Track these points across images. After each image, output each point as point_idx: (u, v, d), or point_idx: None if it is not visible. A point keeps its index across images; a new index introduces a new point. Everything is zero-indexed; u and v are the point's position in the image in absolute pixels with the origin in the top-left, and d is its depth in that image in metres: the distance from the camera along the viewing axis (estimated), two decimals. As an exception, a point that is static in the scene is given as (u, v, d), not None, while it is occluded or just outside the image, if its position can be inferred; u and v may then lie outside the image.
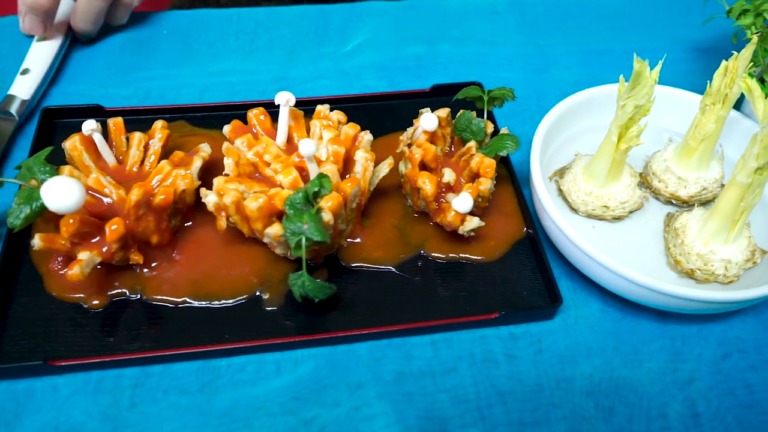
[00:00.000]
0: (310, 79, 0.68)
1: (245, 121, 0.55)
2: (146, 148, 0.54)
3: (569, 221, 0.54)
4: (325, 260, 0.52)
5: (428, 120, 0.51)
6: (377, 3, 0.76)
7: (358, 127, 0.53)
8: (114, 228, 0.45)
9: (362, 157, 0.51)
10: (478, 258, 0.53)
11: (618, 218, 0.54)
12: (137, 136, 0.53)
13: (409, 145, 0.53)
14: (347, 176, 0.52)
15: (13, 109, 0.60)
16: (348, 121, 0.54)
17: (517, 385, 0.47)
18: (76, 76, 0.66)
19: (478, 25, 0.75)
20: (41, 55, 0.65)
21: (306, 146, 0.47)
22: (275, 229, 0.46)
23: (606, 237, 0.54)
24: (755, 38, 0.47)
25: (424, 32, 0.73)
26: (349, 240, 0.53)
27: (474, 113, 0.54)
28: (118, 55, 0.69)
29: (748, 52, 0.48)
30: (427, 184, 0.50)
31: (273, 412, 0.44)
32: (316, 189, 0.47)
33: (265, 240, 0.48)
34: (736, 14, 0.52)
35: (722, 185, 0.56)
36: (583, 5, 0.78)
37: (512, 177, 0.57)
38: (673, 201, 0.56)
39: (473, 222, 0.50)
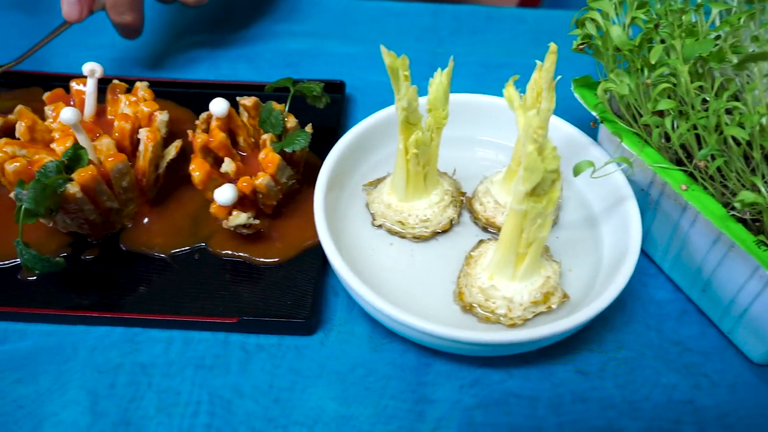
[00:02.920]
0: (183, 63, 0.67)
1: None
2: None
3: (367, 234, 0.49)
4: (106, 238, 0.50)
5: (217, 105, 0.48)
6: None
7: (156, 106, 0.51)
8: None
9: (144, 135, 0.49)
10: (259, 259, 0.49)
11: (419, 238, 0.49)
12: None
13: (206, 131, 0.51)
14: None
15: None
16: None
17: (235, 397, 0.42)
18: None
19: (380, 27, 0.71)
20: None
21: (65, 114, 0.46)
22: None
23: (399, 256, 0.48)
24: (553, 46, 0.41)
25: (318, 28, 0.70)
26: (137, 222, 0.51)
27: (282, 106, 0.51)
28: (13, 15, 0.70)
29: (549, 62, 0.41)
30: (195, 170, 0.47)
31: (-40, 379, 0.42)
32: (66, 159, 0.45)
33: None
34: (572, 23, 0.46)
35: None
36: (500, 18, 0.73)
37: (331, 181, 0.53)
38: (490, 228, 0.49)
39: (240, 218, 0.47)
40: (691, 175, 0.43)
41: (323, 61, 0.67)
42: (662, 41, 0.43)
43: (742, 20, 0.44)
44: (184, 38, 0.69)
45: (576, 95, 0.48)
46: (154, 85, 0.60)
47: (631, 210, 0.46)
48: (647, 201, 0.48)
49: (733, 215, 0.41)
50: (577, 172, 0.42)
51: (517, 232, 0.41)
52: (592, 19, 0.43)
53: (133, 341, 0.45)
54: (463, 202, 0.51)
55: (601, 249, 0.48)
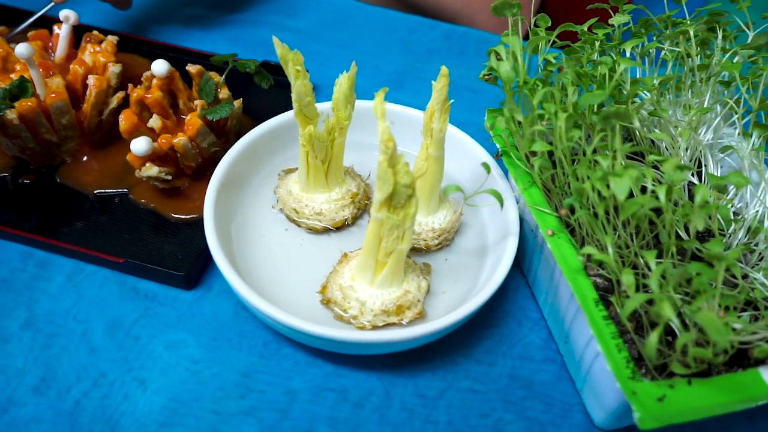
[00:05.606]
0: (175, 31, 0.71)
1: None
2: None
3: (268, 216, 0.52)
4: (47, 169, 0.55)
5: (158, 65, 0.52)
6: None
7: (112, 58, 0.56)
8: None
9: (91, 82, 0.53)
10: (170, 214, 0.53)
11: (312, 229, 0.51)
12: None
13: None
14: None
15: None
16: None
17: (98, 328, 0.46)
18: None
19: (368, 33, 0.73)
20: None
21: (18, 49, 0.51)
22: (-37, 110, 0.50)
23: (288, 242, 0.50)
24: (444, 69, 0.42)
25: (309, 25, 0.74)
26: (77, 159, 0.56)
27: (220, 78, 0.54)
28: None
29: (440, 84, 0.43)
30: (122, 120, 0.51)
31: None
32: (9, 88, 0.50)
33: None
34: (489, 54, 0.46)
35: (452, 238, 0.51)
36: (491, 44, 0.73)
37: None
38: (381, 235, 0.51)
39: (151, 170, 0.50)
40: (572, 227, 0.43)
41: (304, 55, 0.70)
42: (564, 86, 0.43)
43: (656, 82, 0.43)
44: (184, 10, 0.74)
45: (488, 125, 0.49)
46: (137, 43, 0.66)
47: (509, 247, 0.46)
48: (535, 243, 0.48)
49: (600, 273, 0.41)
50: (446, 192, 0.43)
51: (376, 239, 0.43)
52: (497, 53, 0.43)
53: (32, 261, 0.50)
54: (367, 205, 0.53)
55: (479, 278, 0.48)
